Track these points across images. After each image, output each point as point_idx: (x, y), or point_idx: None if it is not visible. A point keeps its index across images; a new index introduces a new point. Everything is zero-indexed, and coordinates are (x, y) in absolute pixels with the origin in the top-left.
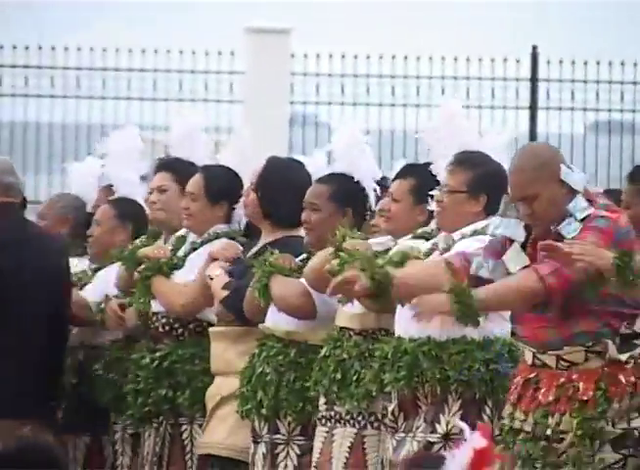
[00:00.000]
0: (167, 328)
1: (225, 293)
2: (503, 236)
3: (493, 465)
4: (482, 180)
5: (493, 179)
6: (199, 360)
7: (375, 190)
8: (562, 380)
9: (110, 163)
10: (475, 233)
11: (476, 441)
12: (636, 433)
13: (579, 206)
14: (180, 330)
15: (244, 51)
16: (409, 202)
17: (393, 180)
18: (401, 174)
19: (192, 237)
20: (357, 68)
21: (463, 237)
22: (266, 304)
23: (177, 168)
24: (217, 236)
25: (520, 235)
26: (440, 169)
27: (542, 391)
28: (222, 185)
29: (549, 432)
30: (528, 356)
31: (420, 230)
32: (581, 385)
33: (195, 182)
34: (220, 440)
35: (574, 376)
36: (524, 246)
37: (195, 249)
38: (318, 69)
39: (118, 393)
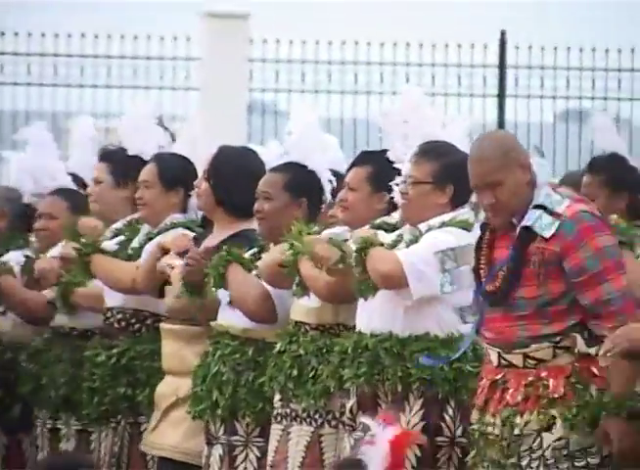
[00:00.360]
0: (124, 324)
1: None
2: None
3: (413, 445)
4: (448, 171)
5: (459, 169)
6: (158, 357)
7: (330, 181)
8: (530, 379)
9: (71, 152)
10: (442, 225)
11: (387, 432)
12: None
13: (554, 199)
14: (137, 326)
15: (200, 36)
16: (367, 190)
17: (349, 168)
18: (357, 162)
19: (146, 228)
20: (319, 54)
21: (430, 229)
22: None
23: (114, 160)
24: (174, 226)
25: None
26: (399, 156)
27: (510, 391)
28: (176, 172)
29: (517, 431)
30: (494, 357)
31: (378, 220)
32: (551, 382)
33: (148, 170)
34: (175, 443)
35: (544, 373)
36: (478, 246)
37: (151, 239)
38: (278, 55)
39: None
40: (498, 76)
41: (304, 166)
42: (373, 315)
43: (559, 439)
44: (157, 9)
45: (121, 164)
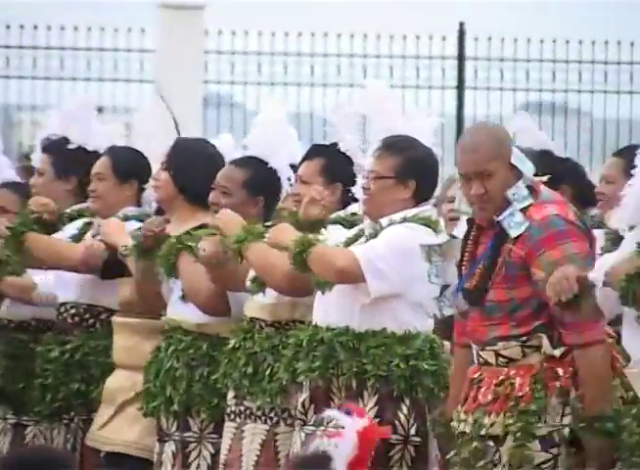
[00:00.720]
0: (77, 319)
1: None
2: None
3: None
4: (411, 165)
5: (422, 164)
6: (111, 352)
7: (289, 178)
8: (501, 377)
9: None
10: (404, 220)
11: (356, 423)
12: (566, 431)
13: (520, 194)
14: (91, 321)
15: (155, 28)
16: (320, 183)
17: (301, 162)
18: (309, 155)
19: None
20: (275, 45)
21: (391, 223)
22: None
23: (55, 151)
24: (127, 218)
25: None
26: (350, 148)
27: (482, 390)
28: (130, 164)
29: (483, 432)
30: (474, 355)
31: (334, 215)
32: (517, 381)
33: (102, 163)
34: (134, 439)
35: (512, 372)
36: (466, 238)
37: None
38: (233, 46)
39: None
40: (457, 68)
41: (266, 163)
42: (330, 309)
43: (515, 447)
44: (111, 0)
45: (63, 156)
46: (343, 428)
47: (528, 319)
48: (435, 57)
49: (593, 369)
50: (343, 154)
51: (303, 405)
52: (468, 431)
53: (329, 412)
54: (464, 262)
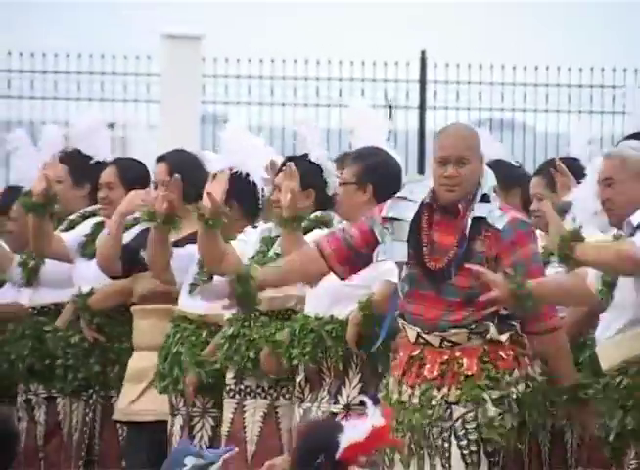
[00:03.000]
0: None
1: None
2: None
3: (386, 444)
4: (369, 171)
5: (380, 169)
6: (126, 338)
7: (264, 179)
8: (445, 357)
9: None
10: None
11: (376, 419)
12: (513, 395)
13: (489, 183)
14: (107, 310)
15: (159, 55)
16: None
17: (278, 172)
18: (284, 166)
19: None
20: (263, 70)
21: None
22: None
23: (70, 161)
24: (136, 221)
25: (410, 214)
26: (319, 158)
27: (427, 367)
28: (135, 173)
29: (434, 402)
30: (412, 335)
31: (313, 216)
32: (465, 361)
33: (110, 172)
34: (146, 408)
35: (458, 354)
36: (417, 224)
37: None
38: (227, 71)
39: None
40: (419, 90)
41: (239, 174)
42: (318, 301)
43: (468, 412)
44: (121, 31)
45: (79, 166)
46: (367, 415)
47: (483, 307)
48: (401, 80)
49: (564, 349)
50: (314, 163)
51: (300, 385)
52: (415, 401)
53: (363, 397)
54: (424, 245)
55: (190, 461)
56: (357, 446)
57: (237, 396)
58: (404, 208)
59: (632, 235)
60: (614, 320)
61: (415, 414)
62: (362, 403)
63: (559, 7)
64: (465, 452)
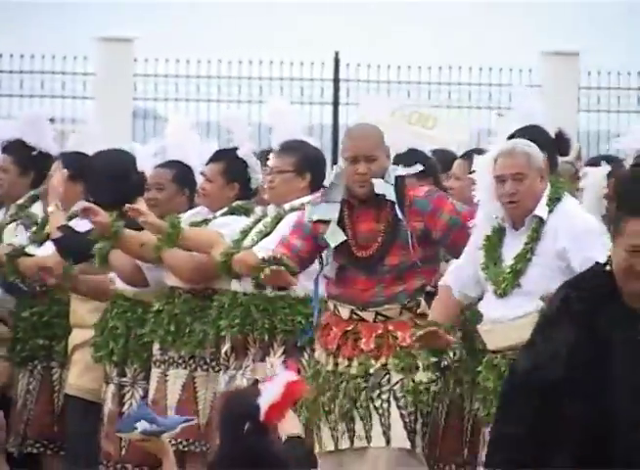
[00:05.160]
0: (44, 288)
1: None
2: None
3: (304, 393)
4: (306, 161)
5: (314, 160)
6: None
7: (202, 173)
8: (380, 331)
9: None
10: (302, 206)
11: (287, 375)
12: (443, 363)
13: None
14: (56, 290)
15: (95, 56)
16: (221, 181)
17: (207, 164)
18: (213, 159)
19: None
20: (189, 70)
21: (292, 209)
22: (101, 266)
23: (14, 151)
24: (74, 216)
25: (335, 215)
26: (246, 153)
27: (363, 340)
28: (80, 166)
29: (372, 370)
30: (345, 313)
31: (234, 204)
32: (399, 333)
33: (57, 166)
34: (71, 382)
35: (391, 327)
36: (341, 218)
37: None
38: (156, 71)
39: None
40: (333, 88)
41: (185, 164)
42: (246, 279)
43: (404, 378)
44: (60, 33)
45: (23, 156)
46: (277, 376)
47: (414, 277)
48: (316, 79)
49: None
50: (240, 158)
51: (226, 354)
52: (353, 372)
53: (271, 360)
54: (350, 238)
55: (142, 426)
56: (277, 405)
57: (162, 366)
58: (325, 209)
59: (536, 230)
60: (518, 306)
61: (356, 379)
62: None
63: (464, 7)
64: (403, 412)
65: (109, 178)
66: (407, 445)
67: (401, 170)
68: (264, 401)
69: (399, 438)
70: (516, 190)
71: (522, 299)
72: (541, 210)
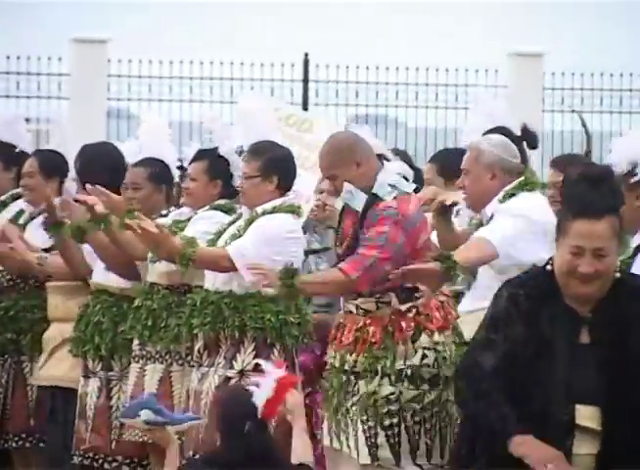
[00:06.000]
0: (11, 283)
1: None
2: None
3: (296, 387)
4: (272, 164)
5: (281, 162)
6: (38, 310)
7: (179, 167)
8: (359, 324)
9: None
10: (274, 209)
11: (275, 372)
12: (409, 371)
13: (386, 190)
14: (22, 285)
15: (69, 57)
16: (204, 180)
17: (190, 163)
18: (196, 158)
19: (30, 209)
20: (162, 71)
21: (264, 211)
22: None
23: None
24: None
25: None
26: (227, 151)
27: (345, 333)
28: (53, 163)
29: (347, 367)
30: (342, 304)
31: (216, 203)
32: (371, 329)
33: (30, 163)
34: (62, 374)
35: (367, 321)
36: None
37: (33, 218)
38: (130, 71)
39: None
40: (302, 89)
41: (160, 160)
42: (217, 277)
43: (367, 386)
44: (35, 34)
45: (5, 152)
46: (266, 373)
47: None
48: (286, 80)
49: None
50: (222, 156)
51: (199, 351)
52: (337, 365)
53: (259, 361)
54: (338, 234)
55: (145, 414)
56: (272, 401)
57: (140, 361)
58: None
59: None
60: (476, 299)
61: (334, 377)
62: (257, 365)
63: (431, 7)
64: (365, 427)
65: (105, 168)
66: (367, 460)
67: (396, 185)
68: (260, 399)
69: (363, 454)
70: (463, 183)
71: (478, 293)
72: (490, 207)
